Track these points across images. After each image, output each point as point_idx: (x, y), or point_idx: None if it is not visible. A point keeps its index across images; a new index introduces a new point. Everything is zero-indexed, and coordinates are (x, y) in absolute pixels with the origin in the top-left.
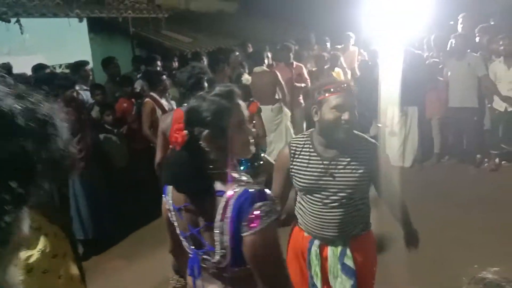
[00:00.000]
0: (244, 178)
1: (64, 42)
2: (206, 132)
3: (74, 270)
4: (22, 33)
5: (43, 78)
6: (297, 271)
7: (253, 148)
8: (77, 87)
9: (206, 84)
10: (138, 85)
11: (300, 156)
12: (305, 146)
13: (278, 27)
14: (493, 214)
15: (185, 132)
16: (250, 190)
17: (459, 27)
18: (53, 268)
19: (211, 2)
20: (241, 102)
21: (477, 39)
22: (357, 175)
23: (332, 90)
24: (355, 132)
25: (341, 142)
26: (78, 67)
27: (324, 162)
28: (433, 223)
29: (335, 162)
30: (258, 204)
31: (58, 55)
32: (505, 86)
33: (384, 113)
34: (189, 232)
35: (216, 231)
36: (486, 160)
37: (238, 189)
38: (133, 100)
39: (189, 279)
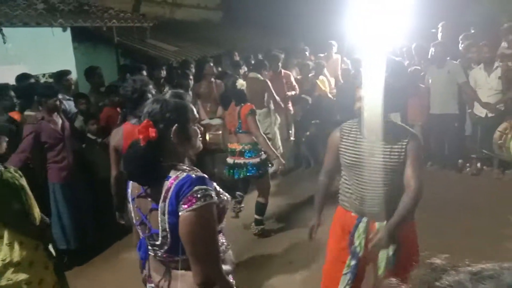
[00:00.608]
0: (188, 168)
1: (48, 52)
2: (175, 126)
3: (46, 277)
4: (4, 42)
5: (26, 88)
6: (338, 244)
7: (201, 144)
8: (60, 96)
9: (150, 96)
10: None
11: (349, 137)
12: (353, 129)
13: (262, 36)
14: (475, 218)
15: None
16: (191, 175)
17: (439, 35)
18: (17, 277)
19: (196, 11)
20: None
21: (460, 47)
22: (395, 157)
23: None
24: (399, 123)
25: (383, 129)
26: (60, 76)
27: (368, 143)
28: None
29: (377, 144)
30: (197, 187)
31: (42, 65)
32: (485, 93)
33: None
34: (140, 219)
35: (160, 212)
36: (467, 165)
37: (181, 175)
38: (118, 109)
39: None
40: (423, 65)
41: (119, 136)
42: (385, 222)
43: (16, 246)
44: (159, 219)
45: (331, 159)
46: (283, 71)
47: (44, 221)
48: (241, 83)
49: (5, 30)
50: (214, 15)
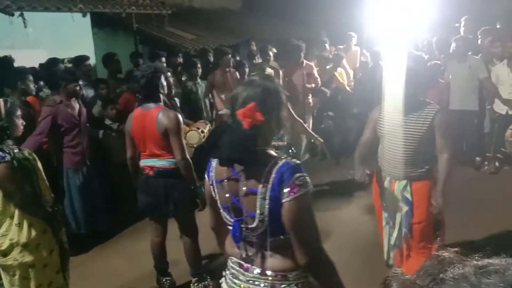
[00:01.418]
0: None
1: (67, 37)
2: (277, 111)
3: (50, 261)
4: (25, 26)
5: (52, 73)
6: (376, 201)
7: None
8: (80, 82)
9: (163, 83)
10: None
11: (384, 113)
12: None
13: (281, 26)
14: (493, 216)
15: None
16: (290, 162)
17: (461, 30)
18: (22, 258)
19: None
20: None
21: (479, 41)
22: (418, 129)
23: None
24: (422, 99)
25: (408, 105)
26: (79, 61)
27: (397, 116)
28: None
29: (404, 117)
30: (297, 174)
31: (61, 50)
32: (507, 89)
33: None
34: (230, 202)
35: (259, 196)
36: (486, 163)
37: (280, 161)
38: (136, 95)
39: (232, 249)
40: (443, 59)
41: (129, 121)
42: (403, 181)
43: (25, 227)
44: (258, 203)
45: (368, 133)
46: (305, 62)
47: (56, 206)
48: (269, 71)
49: (26, 14)
50: (233, 4)
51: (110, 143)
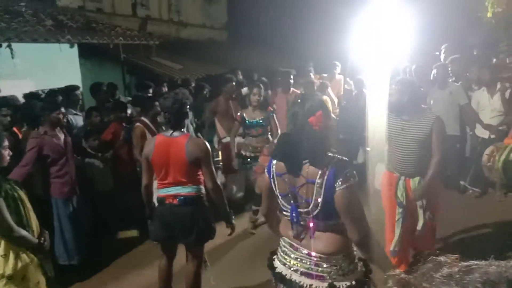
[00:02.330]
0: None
1: (55, 67)
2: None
3: None
4: (13, 57)
5: (31, 106)
6: (388, 198)
7: None
8: (63, 110)
9: (188, 110)
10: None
11: (389, 119)
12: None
13: (266, 56)
14: (477, 240)
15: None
16: (342, 159)
17: (442, 57)
18: None
19: (201, 31)
20: None
21: (449, 69)
22: (419, 132)
23: None
24: (423, 106)
25: (410, 111)
26: (68, 91)
27: (400, 122)
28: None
29: (406, 122)
30: (348, 169)
31: (48, 80)
32: (488, 114)
33: (372, 139)
34: (289, 191)
35: (317, 186)
36: (469, 186)
37: (333, 158)
38: (123, 124)
39: (285, 231)
40: (423, 86)
41: (151, 146)
42: (417, 178)
43: (11, 258)
44: (315, 191)
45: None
46: (292, 89)
47: (43, 236)
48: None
49: (14, 45)
50: (219, 35)
51: (94, 173)
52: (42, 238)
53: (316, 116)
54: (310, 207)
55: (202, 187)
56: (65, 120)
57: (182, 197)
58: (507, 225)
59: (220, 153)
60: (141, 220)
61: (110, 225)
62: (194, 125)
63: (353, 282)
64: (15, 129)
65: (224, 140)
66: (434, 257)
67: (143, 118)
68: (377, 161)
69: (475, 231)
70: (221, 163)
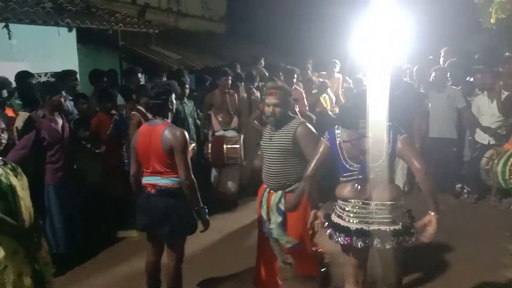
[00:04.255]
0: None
1: (52, 51)
2: None
3: (20, 284)
4: (9, 38)
5: (28, 88)
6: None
7: None
8: (64, 93)
9: (173, 101)
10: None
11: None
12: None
13: (264, 51)
14: (472, 245)
15: None
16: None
17: (441, 61)
18: None
19: (200, 22)
20: None
21: (448, 75)
22: (285, 140)
23: (267, 92)
24: (290, 114)
25: (275, 122)
26: (66, 76)
27: (267, 131)
28: (409, 250)
29: (273, 132)
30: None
31: (45, 63)
32: (488, 120)
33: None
34: (359, 152)
35: (384, 145)
36: (465, 190)
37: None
38: (113, 115)
39: (343, 192)
40: (422, 88)
41: (135, 137)
42: (278, 194)
43: None
44: (384, 149)
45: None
46: (296, 87)
47: (35, 225)
48: None
49: (11, 26)
50: (218, 27)
51: (83, 164)
52: (34, 227)
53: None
54: (379, 162)
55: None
56: (65, 104)
57: (159, 188)
58: (501, 231)
59: (210, 146)
60: (126, 214)
61: (98, 216)
62: (196, 117)
63: (400, 227)
64: (11, 110)
65: (217, 133)
66: None
67: (139, 107)
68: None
69: (469, 236)
70: (209, 156)
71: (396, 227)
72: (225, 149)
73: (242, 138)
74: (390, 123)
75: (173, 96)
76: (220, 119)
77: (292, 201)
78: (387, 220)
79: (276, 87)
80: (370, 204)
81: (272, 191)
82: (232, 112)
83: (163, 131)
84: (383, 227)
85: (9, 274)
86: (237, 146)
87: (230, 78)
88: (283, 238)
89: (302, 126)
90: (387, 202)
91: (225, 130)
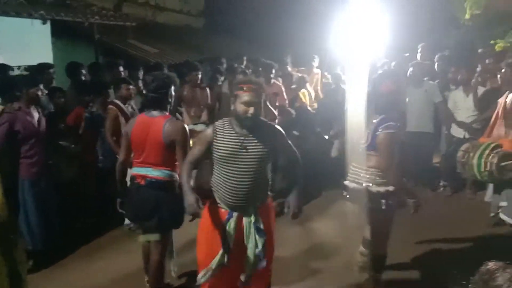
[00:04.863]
0: None
1: (25, 44)
2: None
3: None
4: None
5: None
6: (210, 243)
7: None
8: (41, 87)
9: (173, 93)
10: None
11: (222, 133)
12: (225, 125)
13: (243, 45)
14: (444, 236)
15: None
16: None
17: (418, 56)
18: None
19: (178, 16)
20: None
21: (436, 67)
22: (262, 148)
23: (244, 88)
24: (262, 119)
25: (251, 125)
26: (42, 69)
27: (240, 138)
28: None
29: (248, 138)
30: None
31: (18, 56)
32: (464, 114)
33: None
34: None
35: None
36: (441, 184)
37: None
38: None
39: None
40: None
41: (132, 123)
42: (252, 216)
43: None
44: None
45: (198, 154)
46: (273, 81)
47: (9, 221)
48: None
49: None
50: (196, 21)
51: (57, 159)
52: (7, 223)
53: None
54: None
55: (175, 173)
56: (42, 97)
57: (149, 179)
58: (476, 223)
59: None
60: (103, 208)
61: (76, 212)
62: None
63: (390, 189)
64: None
65: (188, 128)
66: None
67: (115, 100)
68: (354, 156)
69: (446, 229)
70: None
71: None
72: (191, 142)
73: None
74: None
75: (173, 88)
76: (192, 113)
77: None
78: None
79: (253, 81)
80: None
81: (240, 214)
82: (202, 106)
83: (165, 123)
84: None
85: None
86: None
87: (199, 73)
88: (262, 262)
89: (279, 132)
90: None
91: (194, 124)
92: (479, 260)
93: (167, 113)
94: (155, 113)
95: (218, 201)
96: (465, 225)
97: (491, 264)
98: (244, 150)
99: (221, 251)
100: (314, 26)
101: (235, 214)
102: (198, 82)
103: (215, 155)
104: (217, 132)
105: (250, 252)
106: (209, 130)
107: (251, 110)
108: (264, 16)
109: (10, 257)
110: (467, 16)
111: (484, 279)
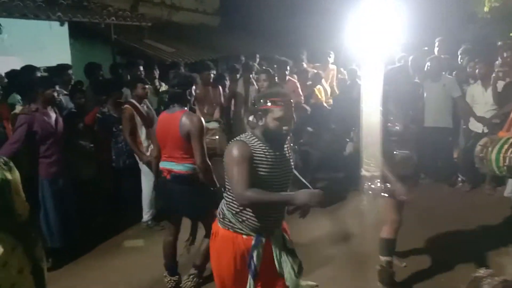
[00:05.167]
0: None
1: (44, 45)
2: None
3: (19, 281)
4: (0, 32)
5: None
6: (237, 273)
7: None
8: (57, 88)
9: (192, 91)
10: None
11: (256, 150)
12: (255, 142)
13: (259, 43)
14: (467, 232)
15: None
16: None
17: (436, 50)
18: None
19: (194, 15)
20: None
21: (460, 60)
22: (291, 159)
23: (277, 103)
24: None
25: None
26: (61, 70)
27: (276, 153)
28: (405, 239)
29: (281, 154)
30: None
31: (37, 58)
32: (482, 108)
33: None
34: None
35: None
36: (460, 179)
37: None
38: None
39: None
40: (417, 78)
41: (156, 123)
42: (280, 236)
43: None
44: None
45: (247, 172)
46: (289, 78)
47: (31, 220)
48: None
49: (2, 20)
50: (212, 20)
51: (76, 158)
52: (30, 223)
53: None
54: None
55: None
56: (59, 98)
57: (173, 174)
58: (495, 219)
59: None
60: (118, 208)
61: (94, 210)
62: None
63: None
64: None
65: None
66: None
67: (131, 100)
68: (369, 153)
69: (464, 224)
70: None
71: None
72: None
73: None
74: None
75: (193, 87)
76: (205, 111)
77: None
78: None
79: (285, 94)
80: None
81: (267, 238)
82: (214, 104)
83: (181, 117)
84: None
85: (9, 270)
86: (215, 137)
87: (212, 72)
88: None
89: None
90: None
91: (207, 122)
92: (500, 255)
93: (185, 108)
94: (175, 109)
95: (239, 226)
96: (484, 221)
97: (481, 272)
98: (281, 166)
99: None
100: (329, 23)
101: (262, 239)
102: (211, 81)
103: (259, 175)
104: (252, 150)
105: (288, 277)
106: (244, 147)
107: (287, 126)
108: (280, 13)
109: (32, 255)
110: (486, 9)
111: (472, 286)
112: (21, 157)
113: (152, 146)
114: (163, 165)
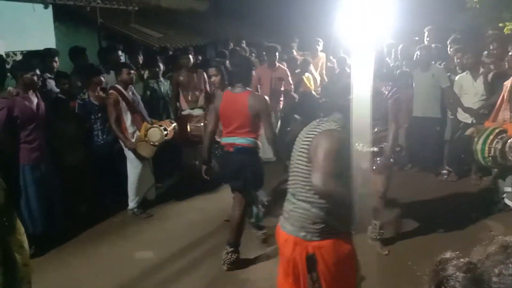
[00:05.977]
0: None
1: (27, 29)
2: None
3: None
4: None
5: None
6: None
7: None
8: (37, 72)
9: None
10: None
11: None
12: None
13: (247, 29)
14: (452, 221)
15: None
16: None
17: (425, 39)
18: None
19: (182, 0)
20: None
21: (449, 50)
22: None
23: None
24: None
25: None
26: (46, 55)
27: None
28: (389, 227)
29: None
30: None
31: (20, 41)
32: (472, 98)
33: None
34: None
35: None
36: (445, 169)
37: None
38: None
39: None
40: (405, 66)
41: (218, 100)
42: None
43: None
44: None
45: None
46: (278, 65)
47: (7, 209)
48: None
49: None
50: (200, 5)
51: (61, 144)
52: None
53: None
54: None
55: (257, 141)
56: (39, 83)
57: (236, 146)
58: (480, 208)
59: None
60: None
61: (78, 196)
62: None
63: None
64: None
65: (184, 112)
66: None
67: (116, 85)
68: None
69: (449, 213)
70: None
71: None
72: (188, 127)
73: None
74: None
75: (254, 69)
76: (189, 98)
77: None
78: None
79: None
80: None
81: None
82: (199, 91)
83: (249, 98)
84: None
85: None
86: (201, 124)
87: (191, 57)
88: None
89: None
90: None
91: (191, 109)
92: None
93: (249, 89)
94: (238, 89)
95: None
96: (470, 210)
97: (447, 254)
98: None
99: None
100: (320, 10)
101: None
102: (189, 66)
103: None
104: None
105: None
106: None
107: None
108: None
109: (5, 243)
110: None
111: (436, 269)
112: (0, 142)
113: (137, 132)
114: (225, 140)
